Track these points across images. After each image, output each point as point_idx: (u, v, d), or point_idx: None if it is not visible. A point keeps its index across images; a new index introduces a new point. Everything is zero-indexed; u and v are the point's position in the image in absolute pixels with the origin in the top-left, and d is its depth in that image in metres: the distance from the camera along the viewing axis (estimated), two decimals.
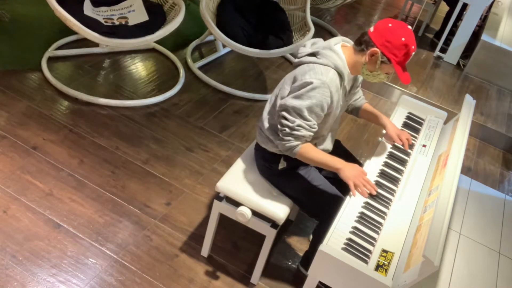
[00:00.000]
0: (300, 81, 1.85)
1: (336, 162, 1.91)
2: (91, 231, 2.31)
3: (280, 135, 1.89)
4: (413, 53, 1.84)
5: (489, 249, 1.96)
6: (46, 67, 3.27)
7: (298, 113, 1.83)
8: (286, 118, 1.86)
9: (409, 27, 1.84)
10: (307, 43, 1.97)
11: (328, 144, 2.14)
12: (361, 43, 1.86)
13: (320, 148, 2.10)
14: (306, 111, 1.82)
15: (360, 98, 2.23)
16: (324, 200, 2.01)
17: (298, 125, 1.84)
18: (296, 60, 1.94)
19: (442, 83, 4.64)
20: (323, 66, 1.84)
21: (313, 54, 1.90)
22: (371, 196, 1.90)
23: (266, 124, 2.03)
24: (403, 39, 1.79)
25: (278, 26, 3.56)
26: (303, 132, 1.85)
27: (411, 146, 2.23)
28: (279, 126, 1.90)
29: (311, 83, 1.81)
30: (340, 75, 1.87)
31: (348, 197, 1.87)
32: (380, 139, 2.23)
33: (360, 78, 2.11)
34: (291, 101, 1.84)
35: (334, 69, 1.85)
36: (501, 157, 3.80)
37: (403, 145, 2.19)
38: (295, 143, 1.87)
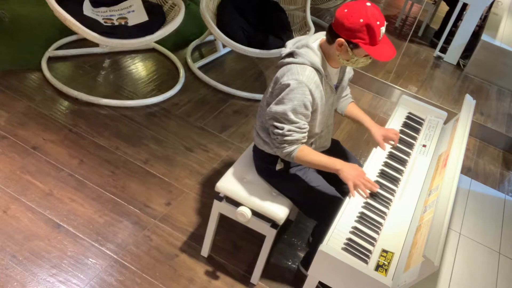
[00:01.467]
0: (279, 84, 1.85)
1: (336, 163, 1.90)
2: (91, 231, 2.31)
3: (275, 143, 1.91)
4: (382, 28, 1.77)
5: (489, 249, 1.96)
6: (46, 67, 3.27)
7: (284, 118, 1.83)
8: (275, 127, 1.87)
9: (368, 3, 1.77)
10: (289, 43, 1.96)
11: (325, 141, 2.13)
12: (328, 36, 1.85)
13: (317, 146, 2.10)
14: (292, 113, 1.82)
15: (346, 96, 2.23)
16: (323, 200, 2.01)
17: (289, 130, 1.84)
18: (278, 62, 1.94)
19: (442, 83, 4.64)
20: (299, 65, 1.84)
21: (291, 54, 1.89)
22: (371, 195, 1.90)
23: (259, 126, 2.04)
24: (361, 20, 1.73)
25: (278, 26, 3.56)
26: (296, 136, 1.85)
27: (411, 145, 2.23)
28: (271, 135, 1.91)
29: (288, 85, 1.81)
30: (318, 71, 1.86)
31: (347, 198, 1.87)
32: (374, 149, 2.20)
33: (349, 73, 2.10)
34: (275, 108, 1.85)
35: (311, 66, 1.84)
36: (501, 157, 3.80)
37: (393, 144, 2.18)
38: (290, 148, 1.87)
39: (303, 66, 1.83)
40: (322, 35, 1.96)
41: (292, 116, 1.82)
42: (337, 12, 1.80)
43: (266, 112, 1.90)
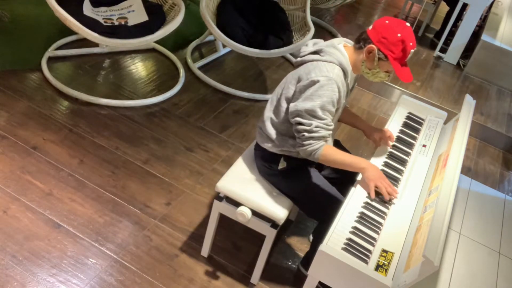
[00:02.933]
0: (306, 80, 1.85)
1: (361, 162, 1.91)
2: (91, 231, 2.31)
3: (299, 141, 1.88)
4: (412, 50, 1.84)
5: (489, 249, 1.96)
6: (46, 67, 3.27)
7: (312, 114, 1.83)
8: (301, 123, 1.85)
9: (408, 24, 1.85)
10: (309, 43, 1.98)
11: (331, 140, 2.14)
12: (360, 41, 1.89)
13: None
14: (320, 110, 1.82)
15: None
16: (324, 200, 2.01)
17: (316, 126, 1.83)
18: (298, 59, 1.94)
19: (442, 83, 4.64)
20: (328, 63, 1.86)
21: (316, 52, 1.91)
22: (377, 196, 1.89)
23: (269, 125, 2.02)
24: (399, 35, 1.80)
25: (278, 26, 3.56)
26: (323, 132, 1.85)
27: (411, 145, 2.23)
28: (296, 134, 1.89)
29: (318, 81, 1.82)
30: (344, 72, 1.89)
31: (345, 201, 1.86)
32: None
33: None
34: (302, 105, 1.84)
35: (339, 66, 1.87)
36: (501, 157, 3.80)
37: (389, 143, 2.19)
38: (317, 145, 1.85)
39: (332, 65, 1.86)
40: (342, 40, 2.00)
41: (320, 113, 1.82)
42: (377, 21, 1.86)
43: (291, 110, 1.88)
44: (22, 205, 2.35)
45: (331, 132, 1.88)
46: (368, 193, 1.89)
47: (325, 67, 1.84)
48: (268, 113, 2.04)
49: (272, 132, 2.01)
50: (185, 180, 2.73)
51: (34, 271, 2.08)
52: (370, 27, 1.87)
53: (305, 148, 1.87)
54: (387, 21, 1.83)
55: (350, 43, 2.01)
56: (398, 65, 1.85)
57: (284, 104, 1.95)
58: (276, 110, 2.00)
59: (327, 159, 1.88)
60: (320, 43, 1.95)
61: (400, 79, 1.85)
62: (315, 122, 1.83)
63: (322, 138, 1.86)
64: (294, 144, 1.99)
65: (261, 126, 2.08)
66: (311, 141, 1.85)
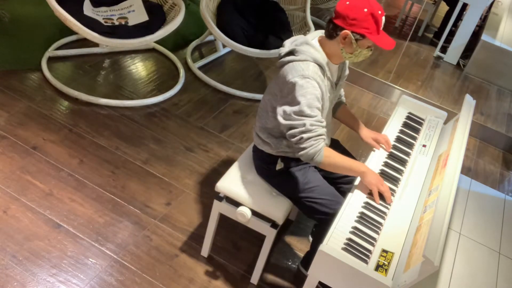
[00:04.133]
0: (286, 85, 1.84)
1: (360, 166, 1.89)
2: (91, 231, 2.31)
3: (299, 146, 1.81)
4: (383, 17, 1.81)
5: (489, 249, 1.96)
6: (46, 67, 3.27)
7: (302, 114, 1.80)
8: (293, 127, 1.81)
9: None
10: (286, 42, 1.96)
11: (326, 139, 2.13)
12: (330, 32, 1.86)
13: None
14: (308, 108, 1.79)
15: (340, 97, 2.24)
16: (323, 200, 2.01)
17: (311, 125, 1.79)
18: (278, 61, 1.93)
19: (442, 83, 4.64)
20: (302, 62, 1.84)
21: (290, 53, 1.89)
22: (371, 197, 1.89)
23: (261, 130, 2.03)
24: (365, 10, 1.77)
25: (278, 26, 3.56)
26: (319, 130, 1.81)
27: (411, 145, 2.22)
28: (291, 139, 1.83)
29: (296, 82, 1.80)
30: (321, 67, 1.86)
31: (345, 201, 1.86)
32: (373, 151, 2.19)
33: (347, 70, 2.11)
34: (289, 109, 1.81)
35: (313, 62, 1.85)
36: (501, 157, 3.80)
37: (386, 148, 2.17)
38: (319, 146, 1.80)
39: (306, 63, 1.83)
40: (319, 33, 1.97)
41: (308, 111, 1.79)
42: (337, 5, 1.82)
43: (278, 116, 1.85)
44: (22, 205, 2.35)
45: (325, 128, 1.85)
46: (371, 198, 1.88)
47: (300, 66, 1.83)
48: (259, 118, 2.04)
49: (265, 136, 2.01)
50: (185, 180, 2.73)
51: (34, 271, 2.08)
52: (334, 16, 1.84)
53: (307, 150, 1.80)
54: (347, 2, 1.80)
55: None
56: (377, 37, 1.82)
57: (271, 109, 1.95)
58: (266, 115, 1.99)
59: (330, 161, 1.84)
60: (295, 41, 1.92)
61: (384, 48, 1.82)
62: (307, 121, 1.79)
63: (320, 137, 1.82)
64: (289, 145, 1.98)
65: (255, 129, 2.08)
66: (311, 142, 1.80)
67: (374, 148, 2.17)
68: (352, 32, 1.80)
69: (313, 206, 2.02)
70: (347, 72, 2.13)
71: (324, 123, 1.85)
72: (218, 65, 3.90)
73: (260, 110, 2.05)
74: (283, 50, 1.92)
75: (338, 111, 2.24)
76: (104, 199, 2.49)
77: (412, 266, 1.56)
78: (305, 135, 1.80)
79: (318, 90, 1.83)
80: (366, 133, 2.21)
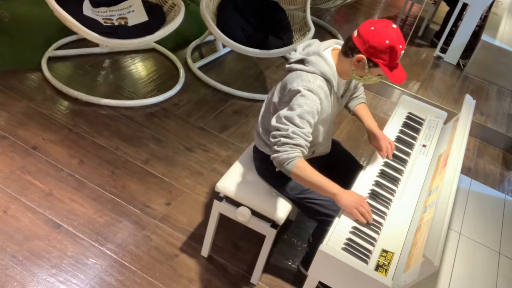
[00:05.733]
0: (288, 90, 1.83)
1: (332, 187, 1.79)
2: (91, 231, 2.31)
3: (275, 147, 1.78)
4: (402, 51, 1.79)
5: (489, 249, 1.96)
6: (46, 67, 3.27)
7: (290, 121, 1.77)
8: (278, 129, 1.79)
9: (394, 25, 1.78)
10: (299, 47, 1.94)
11: (325, 148, 2.13)
12: (347, 49, 1.82)
13: (317, 152, 2.10)
14: (298, 118, 1.76)
15: (358, 97, 2.21)
16: (323, 201, 2.00)
17: (293, 132, 1.76)
18: (287, 65, 1.91)
19: (442, 83, 4.64)
20: (310, 74, 1.82)
21: (301, 61, 1.87)
22: (371, 197, 1.89)
23: (263, 130, 2.03)
24: (387, 41, 1.73)
25: (278, 26, 3.56)
26: (299, 140, 1.76)
27: (411, 145, 2.22)
28: (272, 140, 1.80)
29: (299, 91, 1.78)
30: (328, 81, 1.85)
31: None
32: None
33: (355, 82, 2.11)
34: (283, 112, 1.80)
35: (321, 76, 1.83)
36: (501, 157, 3.80)
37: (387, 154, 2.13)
38: (292, 154, 1.75)
39: (314, 76, 1.82)
40: (333, 43, 1.94)
41: (297, 121, 1.76)
42: (361, 27, 1.78)
43: (274, 116, 1.84)
44: (22, 205, 2.35)
45: (308, 143, 1.79)
46: (371, 198, 1.86)
47: (307, 77, 1.80)
48: (261, 118, 2.04)
49: (266, 137, 2.01)
50: (185, 180, 2.73)
51: (34, 271, 2.08)
52: (355, 34, 1.79)
53: (279, 154, 1.75)
54: (372, 27, 1.75)
55: (341, 44, 1.95)
56: (389, 70, 1.80)
57: (272, 111, 1.95)
58: (267, 115, 1.99)
59: (300, 173, 1.76)
60: (309, 48, 1.88)
61: (394, 82, 1.80)
62: (292, 128, 1.75)
63: (299, 146, 1.76)
64: None
65: (257, 130, 2.08)
66: (286, 148, 1.75)
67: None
68: (368, 58, 1.78)
69: (312, 207, 2.02)
70: (355, 82, 2.11)
71: (309, 138, 1.79)
72: (218, 65, 3.90)
73: (263, 111, 2.05)
74: (294, 55, 1.90)
75: (355, 109, 2.19)
76: (104, 199, 2.49)
77: (412, 266, 1.56)
78: (283, 139, 1.76)
79: (318, 106, 1.80)
80: (371, 138, 2.14)
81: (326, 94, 1.84)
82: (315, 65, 1.83)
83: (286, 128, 1.76)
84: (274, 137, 1.79)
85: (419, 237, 1.67)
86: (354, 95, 2.20)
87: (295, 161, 1.75)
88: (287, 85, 1.86)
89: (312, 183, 1.79)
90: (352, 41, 1.80)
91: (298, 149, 1.76)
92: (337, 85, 1.90)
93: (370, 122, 2.15)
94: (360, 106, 2.20)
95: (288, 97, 1.83)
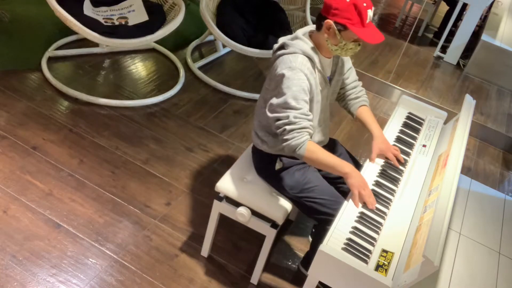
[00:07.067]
0: (275, 78, 1.86)
1: (344, 166, 1.84)
2: (91, 231, 2.31)
3: (282, 137, 1.82)
4: (369, 10, 1.79)
5: (489, 249, 1.96)
6: (46, 67, 3.27)
7: (286, 106, 1.80)
8: (278, 119, 1.82)
9: None
10: (280, 39, 1.98)
11: (323, 136, 2.10)
12: (317, 23, 1.88)
13: (315, 140, 2.08)
14: (293, 100, 1.79)
15: (359, 98, 2.21)
16: (323, 200, 2.00)
17: (295, 117, 1.78)
18: (272, 56, 1.96)
19: (442, 83, 4.64)
20: (291, 54, 1.85)
21: (281, 47, 1.92)
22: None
23: (259, 128, 2.03)
24: (347, 0, 1.77)
25: (278, 26, 3.56)
26: (303, 123, 1.79)
27: (411, 145, 2.22)
28: (276, 131, 1.84)
29: (283, 75, 1.82)
30: (310, 59, 1.87)
31: (345, 201, 1.85)
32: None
33: (347, 65, 2.10)
34: (275, 101, 1.83)
35: (302, 54, 1.86)
36: (501, 157, 3.80)
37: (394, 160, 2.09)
38: (301, 138, 1.79)
39: (295, 55, 1.85)
40: (311, 27, 1.98)
41: (294, 103, 1.79)
42: None
43: (267, 108, 1.87)
44: (22, 205, 2.35)
45: (311, 122, 1.82)
46: (353, 200, 1.83)
47: (289, 58, 1.84)
48: (257, 116, 2.05)
49: (263, 134, 2.01)
50: (185, 180, 2.73)
51: (34, 271, 2.08)
52: (322, 6, 1.85)
53: (289, 142, 1.79)
54: None
55: None
56: (361, 30, 1.80)
57: (264, 105, 1.96)
58: (262, 111, 1.99)
59: (312, 156, 1.81)
60: (287, 37, 1.95)
61: (367, 41, 1.79)
62: (291, 113, 1.79)
63: (304, 129, 1.80)
64: None
65: (254, 129, 2.08)
66: (294, 134, 1.79)
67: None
68: (335, 22, 1.81)
69: (313, 206, 2.02)
70: (345, 67, 2.11)
71: (310, 116, 1.83)
72: (218, 65, 3.90)
73: (257, 108, 2.06)
74: (275, 46, 1.96)
75: (357, 113, 2.18)
76: (104, 199, 2.49)
77: (412, 266, 1.56)
78: (288, 127, 1.79)
79: (306, 82, 1.83)
80: (376, 143, 2.10)
81: (310, 71, 1.86)
82: (294, 46, 1.87)
83: (286, 115, 1.80)
84: (278, 127, 1.82)
85: (419, 237, 1.67)
86: (354, 96, 2.19)
87: (305, 144, 1.80)
88: (273, 73, 1.89)
89: (325, 164, 1.84)
90: (320, 13, 1.86)
91: (305, 131, 1.81)
92: (320, 63, 1.92)
93: (375, 128, 2.12)
94: (363, 109, 2.18)
95: (274, 83, 1.86)
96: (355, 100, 2.19)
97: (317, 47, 1.91)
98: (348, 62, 2.14)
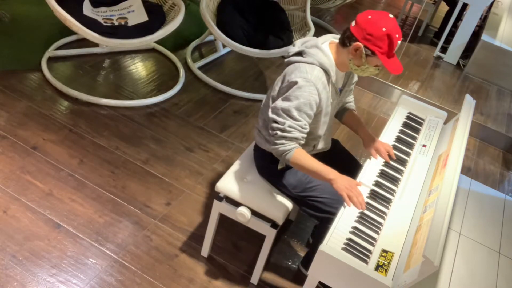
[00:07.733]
0: (286, 82, 1.85)
1: (329, 172, 1.86)
2: (91, 231, 2.31)
3: (272, 139, 1.86)
4: (399, 41, 1.82)
5: (489, 249, 1.96)
6: (46, 67, 3.27)
7: (287, 114, 1.82)
8: (276, 121, 1.84)
9: (391, 15, 1.82)
10: (297, 42, 1.97)
11: (326, 144, 2.13)
12: (344, 39, 1.85)
13: (319, 148, 2.10)
14: (295, 111, 1.81)
15: (348, 103, 2.23)
16: (324, 200, 2.01)
17: (289, 126, 1.81)
18: (286, 59, 1.95)
19: (442, 83, 4.64)
20: (308, 65, 1.84)
21: (299, 53, 1.90)
22: (371, 197, 1.89)
23: (263, 127, 2.03)
24: (384, 29, 1.77)
25: (278, 26, 3.56)
26: (295, 134, 1.82)
27: (411, 145, 2.22)
28: (270, 131, 1.87)
29: (296, 82, 1.81)
30: (326, 72, 1.87)
31: (342, 207, 1.86)
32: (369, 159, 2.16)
33: (355, 77, 2.11)
34: (280, 104, 1.83)
35: (319, 67, 1.85)
36: (501, 157, 3.80)
37: (387, 157, 2.12)
38: (289, 146, 1.83)
39: (312, 66, 1.84)
40: (331, 37, 1.97)
41: (295, 113, 1.81)
42: (359, 17, 1.81)
43: (270, 107, 1.88)
44: (22, 205, 2.35)
45: (304, 135, 1.85)
46: (371, 198, 1.88)
47: (305, 68, 1.83)
48: (262, 115, 2.05)
49: (266, 133, 2.02)
50: (185, 180, 2.73)
51: (34, 271, 2.08)
52: (353, 23, 1.83)
53: (277, 147, 1.84)
54: (369, 16, 1.79)
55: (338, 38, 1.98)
56: (386, 59, 1.82)
57: (270, 105, 1.96)
58: (266, 110, 1.99)
59: (297, 162, 1.85)
60: (307, 43, 1.92)
61: (390, 72, 1.82)
62: (288, 122, 1.81)
63: (295, 139, 1.84)
64: None
65: (257, 127, 2.08)
66: (283, 141, 1.83)
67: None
68: (365, 46, 1.80)
69: (315, 205, 2.02)
70: (355, 79, 2.12)
71: (306, 130, 1.85)
72: (218, 65, 3.90)
73: (263, 107, 2.06)
74: (292, 49, 1.93)
75: (344, 118, 2.23)
76: (104, 199, 2.49)
77: (412, 266, 1.56)
78: (280, 133, 1.83)
79: (315, 97, 1.83)
80: (368, 142, 2.16)
81: (324, 85, 1.86)
82: (313, 56, 1.85)
83: (283, 121, 1.82)
84: (272, 129, 1.86)
85: (419, 237, 1.67)
86: (345, 102, 2.21)
87: (292, 152, 1.83)
88: (285, 77, 1.88)
89: (310, 170, 1.87)
90: (349, 30, 1.83)
91: (295, 141, 1.84)
92: (335, 77, 1.92)
93: (363, 129, 2.19)
94: (350, 114, 2.22)
95: (285, 88, 1.85)
96: (344, 105, 2.22)
97: (335, 60, 1.90)
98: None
